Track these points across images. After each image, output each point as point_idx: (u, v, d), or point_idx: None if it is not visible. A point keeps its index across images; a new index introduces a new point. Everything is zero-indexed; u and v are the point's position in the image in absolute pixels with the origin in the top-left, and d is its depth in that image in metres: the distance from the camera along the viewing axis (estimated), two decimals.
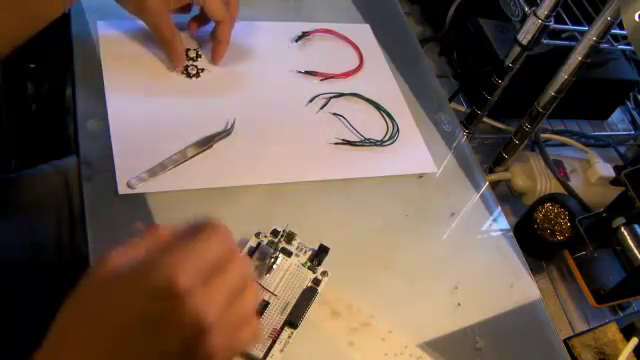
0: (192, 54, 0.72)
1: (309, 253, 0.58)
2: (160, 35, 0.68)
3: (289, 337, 0.52)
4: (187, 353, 0.37)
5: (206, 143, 0.64)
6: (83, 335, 0.37)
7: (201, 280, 0.37)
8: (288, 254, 0.57)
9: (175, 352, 0.37)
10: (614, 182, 0.92)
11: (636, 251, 0.75)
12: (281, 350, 0.51)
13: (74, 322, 0.38)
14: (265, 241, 0.57)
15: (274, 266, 0.55)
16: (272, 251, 0.55)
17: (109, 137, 0.62)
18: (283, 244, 0.57)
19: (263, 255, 0.55)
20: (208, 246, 0.39)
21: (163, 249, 0.38)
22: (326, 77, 0.76)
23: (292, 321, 0.53)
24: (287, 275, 0.56)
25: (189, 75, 0.70)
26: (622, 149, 1.06)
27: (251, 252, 0.55)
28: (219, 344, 0.38)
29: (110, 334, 0.37)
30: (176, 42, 0.68)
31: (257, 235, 0.57)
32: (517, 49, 0.83)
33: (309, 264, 0.57)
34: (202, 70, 0.71)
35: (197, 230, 0.40)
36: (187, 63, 0.71)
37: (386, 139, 0.72)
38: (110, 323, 0.37)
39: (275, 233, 0.57)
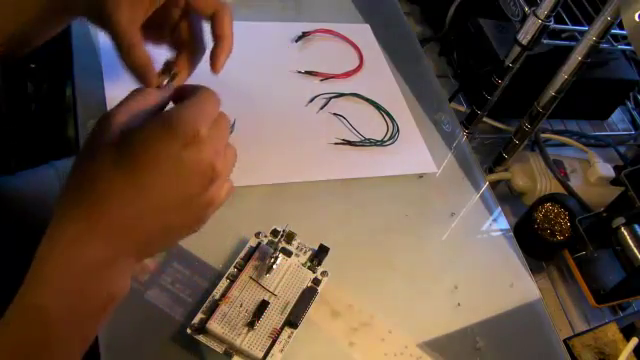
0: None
1: (309, 253, 0.58)
2: (118, 38, 0.50)
3: (289, 337, 0.52)
4: (202, 196, 0.42)
5: None
6: (116, 184, 0.39)
7: (211, 132, 0.42)
8: (288, 254, 0.57)
9: (195, 194, 0.41)
10: (614, 182, 0.92)
11: (636, 251, 0.75)
12: (281, 350, 0.51)
13: (103, 175, 0.39)
14: (265, 241, 0.57)
15: (274, 266, 0.55)
16: (272, 251, 0.55)
17: None
18: (283, 244, 0.57)
19: (263, 255, 0.55)
20: (210, 102, 0.44)
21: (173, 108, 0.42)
22: (326, 77, 0.76)
23: (292, 321, 0.53)
24: (287, 275, 0.56)
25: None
26: (622, 149, 1.06)
27: (251, 252, 0.55)
28: (218, 191, 0.43)
29: (147, 179, 0.39)
30: (139, 49, 0.50)
31: (257, 235, 0.57)
32: (517, 49, 0.83)
33: (309, 264, 0.57)
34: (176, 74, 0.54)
35: (191, 90, 0.44)
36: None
37: (386, 139, 0.72)
38: (144, 169, 0.39)
39: (275, 233, 0.57)
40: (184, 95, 0.44)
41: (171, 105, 0.47)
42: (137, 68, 0.50)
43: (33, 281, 0.39)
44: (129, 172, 0.39)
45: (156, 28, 0.54)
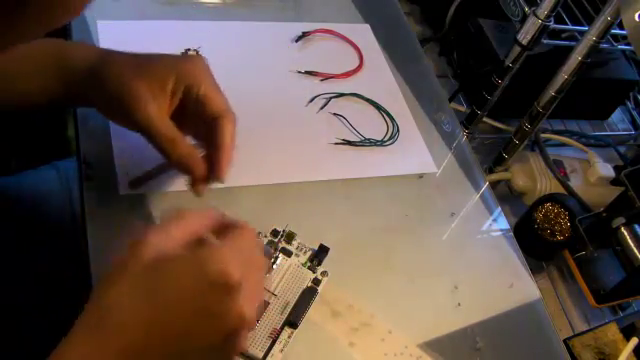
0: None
1: (309, 253, 0.58)
2: (157, 131, 0.50)
3: (289, 337, 0.52)
4: (225, 345, 0.39)
5: None
6: (127, 312, 0.38)
7: (243, 277, 0.39)
8: (288, 254, 0.57)
9: (217, 345, 0.39)
10: (614, 182, 0.92)
11: (636, 251, 0.75)
12: (281, 350, 0.51)
13: (116, 300, 0.38)
14: (265, 241, 0.57)
15: (274, 266, 0.55)
16: (272, 251, 0.55)
17: (109, 137, 0.61)
18: (283, 244, 0.57)
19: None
20: (250, 244, 0.42)
21: (206, 242, 0.40)
22: (326, 77, 0.76)
23: (292, 321, 0.53)
24: (287, 275, 0.56)
25: None
26: (622, 149, 1.06)
27: None
28: (245, 339, 0.40)
29: (158, 312, 0.38)
30: (182, 143, 0.51)
31: (257, 235, 0.57)
32: (517, 49, 0.83)
33: (309, 264, 0.57)
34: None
35: (230, 226, 0.42)
36: None
37: (386, 139, 0.72)
38: (158, 302, 0.38)
39: (275, 233, 0.58)
40: (226, 227, 0.43)
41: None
42: (184, 161, 0.50)
43: None
44: (151, 305, 0.38)
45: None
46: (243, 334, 0.40)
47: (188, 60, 0.53)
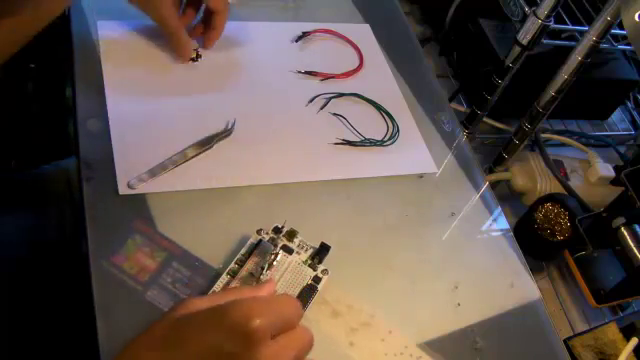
0: (192, 54, 0.71)
1: (310, 251, 0.58)
2: (165, 27, 0.67)
3: None
4: None
5: (206, 143, 0.64)
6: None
7: (274, 333, 0.38)
8: (289, 251, 0.57)
9: None
10: (614, 182, 0.92)
11: (636, 251, 0.75)
12: None
13: (139, 349, 0.38)
14: (267, 238, 0.57)
15: (274, 263, 0.55)
16: (273, 248, 0.55)
17: (109, 137, 0.62)
18: (284, 241, 0.57)
19: (264, 252, 0.55)
20: (284, 305, 0.41)
21: (240, 297, 0.39)
22: (326, 77, 0.76)
23: None
24: (287, 272, 0.56)
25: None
26: (622, 149, 1.06)
27: (252, 248, 0.56)
28: None
29: None
30: (181, 33, 0.68)
31: (258, 232, 0.57)
32: (517, 49, 0.83)
33: (310, 262, 0.57)
34: (200, 56, 0.72)
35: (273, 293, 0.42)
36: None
37: (386, 139, 0.72)
38: (176, 351, 0.37)
39: (277, 230, 0.58)
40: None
41: None
42: (178, 42, 0.69)
43: None
44: (161, 345, 0.38)
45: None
46: None
47: None
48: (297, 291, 0.55)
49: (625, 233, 0.76)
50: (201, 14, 0.72)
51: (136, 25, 0.71)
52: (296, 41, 0.79)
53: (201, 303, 0.40)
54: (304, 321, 0.53)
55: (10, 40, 0.55)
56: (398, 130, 0.73)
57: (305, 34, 0.79)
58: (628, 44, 0.93)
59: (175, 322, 0.39)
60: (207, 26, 0.71)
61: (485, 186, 0.72)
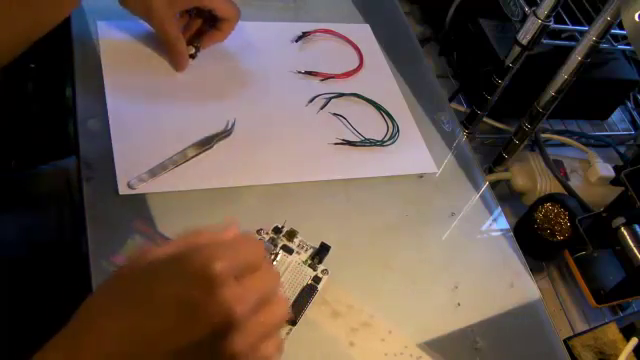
0: (191, 50, 0.71)
1: (310, 251, 0.58)
2: (165, 36, 0.67)
3: (287, 334, 0.52)
4: (212, 346, 0.37)
5: (206, 143, 0.64)
6: (109, 318, 0.37)
7: (235, 275, 0.37)
8: (289, 251, 0.57)
9: (202, 342, 0.36)
10: (614, 182, 0.92)
11: (636, 251, 0.75)
12: None
13: (101, 306, 0.37)
14: (266, 238, 0.57)
15: (274, 263, 0.55)
16: (273, 248, 0.55)
17: (109, 137, 0.62)
18: (284, 241, 0.57)
19: None
20: (245, 247, 0.40)
21: (200, 243, 0.39)
22: (326, 77, 0.76)
23: (291, 318, 0.53)
24: (287, 272, 0.56)
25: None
26: (622, 149, 1.06)
27: None
28: (242, 346, 0.37)
29: (141, 317, 0.36)
30: (180, 44, 0.68)
31: (258, 232, 0.57)
32: (517, 49, 0.83)
33: (310, 262, 0.57)
34: (198, 49, 0.72)
35: (235, 236, 0.41)
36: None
37: (386, 139, 0.72)
38: (142, 306, 0.37)
39: (277, 230, 0.58)
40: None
41: None
42: (176, 53, 0.69)
43: None
44: (135, 309, 0.37)
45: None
46: (232, 333, 0.37)
47: None
48: (297, 291, 0.55)
49: (625, 233, 0.76)
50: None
51: (136, 25, 0.71)
52: (296, 41, 0.79)
53: (160, 251, 0.39)
54: (305, 321, 0.54)
55: (11, 45, 0.55)
56: (398, 130, 0.73)
57: (305, 34, 0.79)
58: (628, 44, 0.93)
59: (138, 276, 0.38)
60: (211, 26, 0.71)
61: (485, 186, 0.72)
